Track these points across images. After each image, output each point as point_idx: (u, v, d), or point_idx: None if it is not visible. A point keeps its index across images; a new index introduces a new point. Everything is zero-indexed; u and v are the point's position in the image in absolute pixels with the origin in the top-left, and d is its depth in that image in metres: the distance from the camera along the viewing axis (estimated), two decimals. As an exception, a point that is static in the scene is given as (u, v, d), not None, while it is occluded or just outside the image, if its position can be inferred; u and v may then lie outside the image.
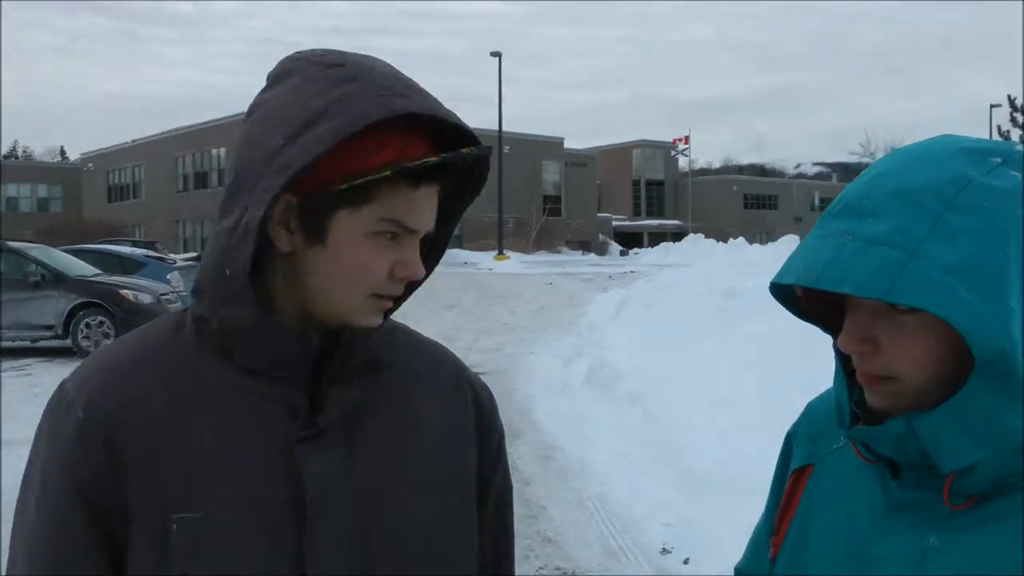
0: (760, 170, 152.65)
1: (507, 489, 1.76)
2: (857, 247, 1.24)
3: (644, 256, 73.30)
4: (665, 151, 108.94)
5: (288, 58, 1.52)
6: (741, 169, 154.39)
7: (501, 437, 1.74)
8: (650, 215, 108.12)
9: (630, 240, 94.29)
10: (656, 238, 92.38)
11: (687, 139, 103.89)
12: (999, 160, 1.29)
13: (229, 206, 1.44)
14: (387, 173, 1.39)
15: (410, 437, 1.56)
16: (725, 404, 9.90)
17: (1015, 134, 42.27)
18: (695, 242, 69.05)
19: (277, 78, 1.49)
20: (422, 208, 1.45)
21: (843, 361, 1.42)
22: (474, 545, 1.62)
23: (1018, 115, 42.82)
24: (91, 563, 1.41)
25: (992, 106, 56.31)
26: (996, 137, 43.40)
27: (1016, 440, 1.26)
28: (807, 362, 10.09)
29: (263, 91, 1.49)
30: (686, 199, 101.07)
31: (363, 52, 1.52)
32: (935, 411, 1.27)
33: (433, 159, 1.40)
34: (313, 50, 1.51)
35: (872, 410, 1.37)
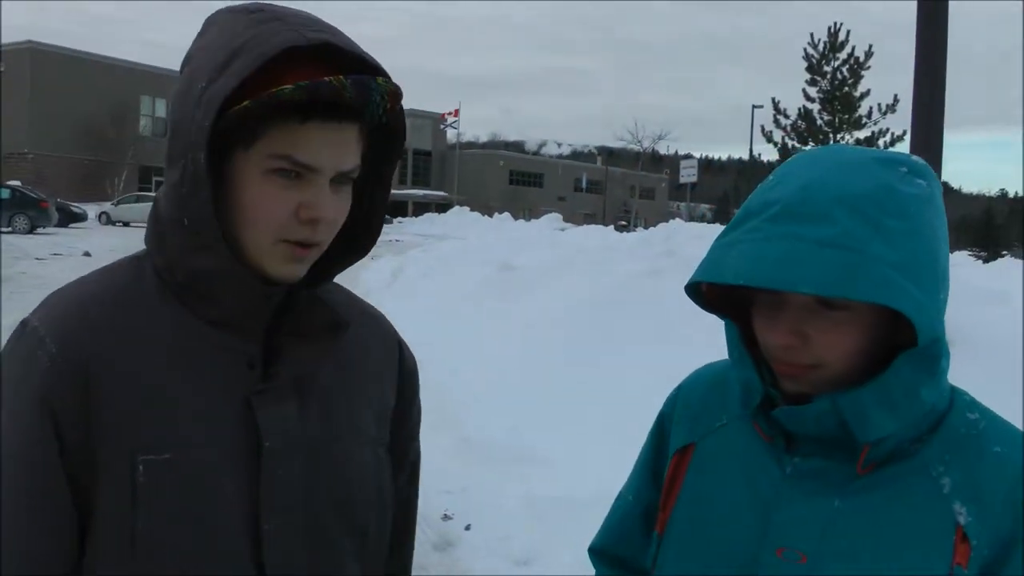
0: (526, 148, 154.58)
1: (418, 458, 1.87)
2: (808, 249, 1.34)
3: (408, 225, 73.28)
4: (433, 122, 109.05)
5: (215, 11, 1.53)
6: (507, 145, 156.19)
7: (419, 409, 1.85)
8: (416, 185, 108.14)
9: (395, 209, 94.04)
10: (421, 208, 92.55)
11: (456, 112, 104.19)
12: (905, 169, 1.44)
13: (173, 159, 1.45)
14: (247, 103, 1.38)
15: (354, 394, 1.63)
16: (502, 374, 10.06)
17: (777, 135, 44.36)
18: (460, 214, 69.44)
19: (202, 31, 1.51)
20: (315, 144, 1.42)
21: (747, 349, 1.54)
22: (392, 491, 1.71)
23: (781, 117, 44.89)
24: (64, 497, 1.39)
25: (754, 107, 58.54)
26: (759, 136, 45.43)
27: (923, 411, 1.43)
28: (578, 334, 10.39)
29: (191, 46, 1.50)
30: (453, 171, 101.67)
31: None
32: (862, 389, 1.40)
33: (288, 87, 1.37)
34: (237, 3, 1.52)
35: (785, 393, 1.50)
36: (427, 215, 76.63)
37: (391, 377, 1.74)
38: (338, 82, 1.39)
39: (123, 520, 1.39)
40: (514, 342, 11.12)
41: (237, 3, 1.52)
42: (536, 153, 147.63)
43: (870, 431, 1.41)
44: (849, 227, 1.34)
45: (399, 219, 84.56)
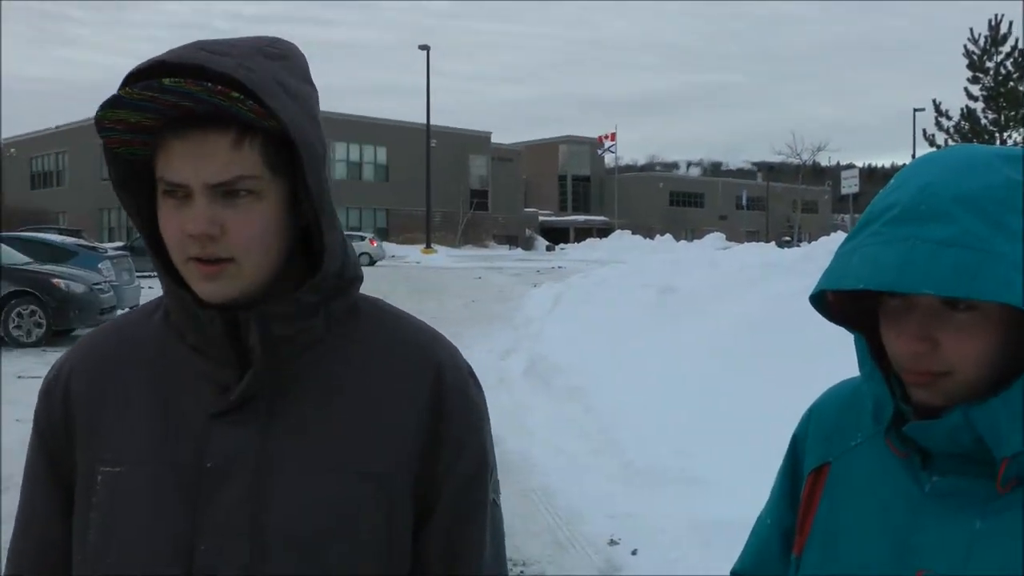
0: (685, 168, 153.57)
1: (466, 486, 1.58)
2: (928, 249, 1.30)
3: (571, 252, 73.38)
4: (591, 147, 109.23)
5: None
6: (666, 166, 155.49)
7: (468, 431, 1.58)
8: (576, 210, 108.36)
9: (556, 235, 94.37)
10: (582, 233, 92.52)
11: (613, 136, 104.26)
12: None
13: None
14: (96, 115, 1.42)
15: (332, 416, 1.51)
16: (663, 398, 9.99)
17: (940, 138, 43.10)
18: (621, 238, 69.41)
19: None
20: (176, 160, 1.41)
21: (878, 362, 1.49)
22: (397, 535, 1.53)
23: (943, 119, 43.69)
24: (49, 512, 1.57)
25: (915, 110, 57.17)
26: (921, 140, 44.19)
27: None
28: (742, 358, 10.26)
29: None
30: (612, 195, 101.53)
31: (284, 39, 1.54)
32: (993, 400, 1.35)
33: (109, 98, 1.38)
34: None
35: (917, 406, 1.44)
36: (588, 240, 76.70)
37: (416, 406, 1.54)
38: (126, 93, 1.38)
39: (83, 525, 1.51)
40: (676, 364, 11.04)
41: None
42: (695, 172, 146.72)
43: (1005, 445, 1.35)
44: (969, 225, 1.30)
45: (561, 245, 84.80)
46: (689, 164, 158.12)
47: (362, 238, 56.16)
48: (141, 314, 1.62)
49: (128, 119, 1.42)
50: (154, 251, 1.52)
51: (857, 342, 1.52)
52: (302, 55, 1.54)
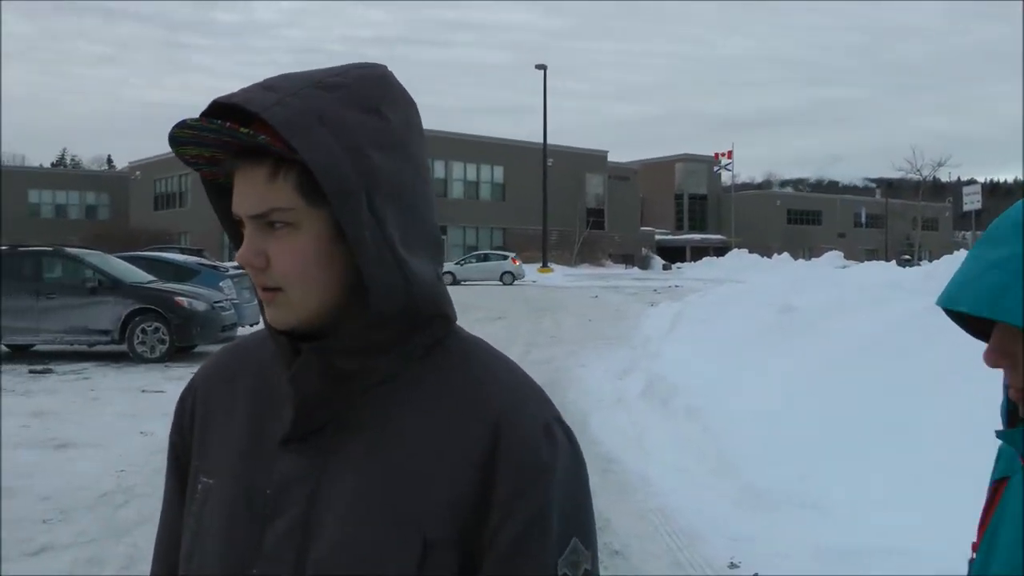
0: (804, 185, 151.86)
1: (513, 556, 1.40)
2: (978, 269, 1.36)
3: (688, 270, 73.10)
4: (708, 165, 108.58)
5: None
6: (783, 184, 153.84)
7: (520, 495, 1.40)
8: (693, 229, 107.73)
9: (673, 254, 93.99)
10: (699, 252, 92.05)
11: (730, 153, 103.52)
12: None
13: None
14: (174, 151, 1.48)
15: (386, 461, 1.44)
16: (783, 419, 9.86)
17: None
18: (739, 256, 68.92)
19: None
20: (235, 191, 1.45)
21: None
22: None
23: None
24: (175, 515, 1.66)
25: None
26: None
27: None
28: (864, 379, 10.08)
29: None
30: (729, 213, 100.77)
31: (400, 61, 1.54)
32: None
33: (169, 135, 1.43)
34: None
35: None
36: (705, 259, 76.40)
37: (467, 462, 1.42)
38: (176, 131, 1.42)
39: (184, 529, 1.61)
40: (796, 385, 10.88)
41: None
42: (813, 190, 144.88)
43: None
44: (1016, 249, 1.33)
45: (677, 264, 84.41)
46: (805, 181, 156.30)
47: (504, 257, 57.03)
48: (262, 334, 1.62)
49: (201, 153, 1.48)
50: None
51: None
52: (375, 81, 1.48)
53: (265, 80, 1.45)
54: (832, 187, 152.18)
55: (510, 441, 1.41)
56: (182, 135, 1.42)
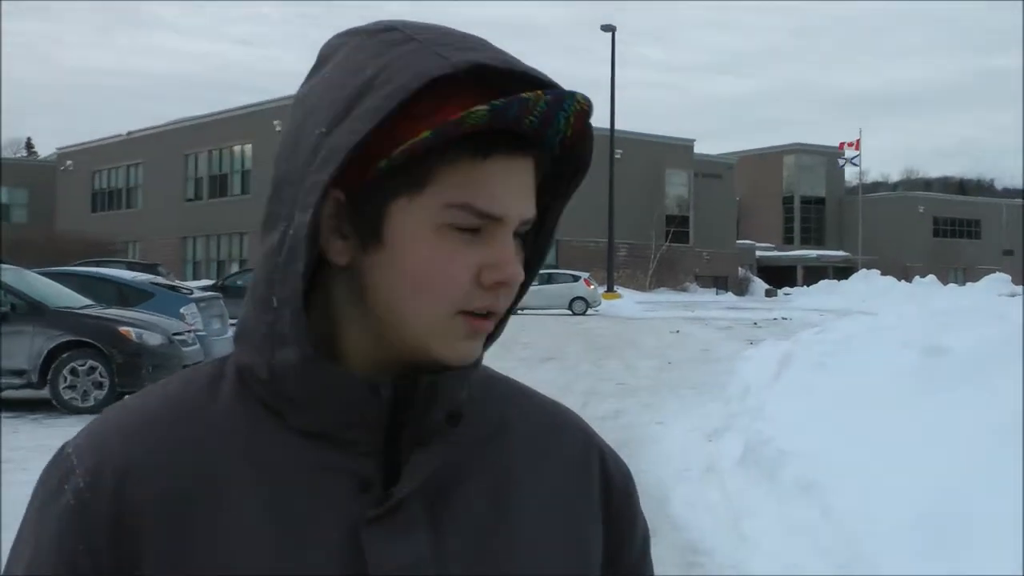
0: (956, 185, 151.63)
1: (642, 568, 1.74)
2: None
3: (799, 298, 73.06)
4: (827, 159, 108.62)
5: (334, 35, 1.56)
6: (929, 184, 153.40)
7: (645, 531, 1.74)
8: (806, 243, 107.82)
9: (779, 275, 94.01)
10: (814, 273, 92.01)
11: (857, 143, 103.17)
12: None
13: (270, 221, 1.49)
14: (427, 134, 1.37)
15: (511, 515, 1.54)
16: (933, 499, 9.77)
17: None
18: (867, 280, 68.90)
19: (320, 62, 1.54)
20: (501, 187, 1.43)
21: None
22: None
23: None
24: None
25: None
26: None
27: None
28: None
29: (305, 81, 1.54)
30: (854, 223, 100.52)
31: (431, 19, 1.55)
32: None
33: (481, 107, 1.36)
34: (362, 25, 1.55)
35: None
36: (823, 282, 76.38)
37: (586, 490, 1.64)
38: (535, 97, 1.38)
39: None
40: (948, 452, 10.79)
41: (366, 24, 1.55)
42: (970, 192, 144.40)
43: None
44: None
45: (785, 289, 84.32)
46: (961, 181, 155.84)
47: (575, 278, 56.69)
48: (196, 386, 1.55)
49: (473, 123, 1.40)
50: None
51: None
52: None
53: (479, 43, 1.49)
54: (993, 189, 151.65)
55: (610, 471, 1.69)
56: (510, 106, 1.39)
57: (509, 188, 1.44)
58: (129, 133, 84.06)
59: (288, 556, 1.43)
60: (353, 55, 1.46)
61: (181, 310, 22.26)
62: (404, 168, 1.41)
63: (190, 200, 77.49)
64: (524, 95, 1.37)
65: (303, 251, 1.40)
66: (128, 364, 18.98)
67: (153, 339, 19.48)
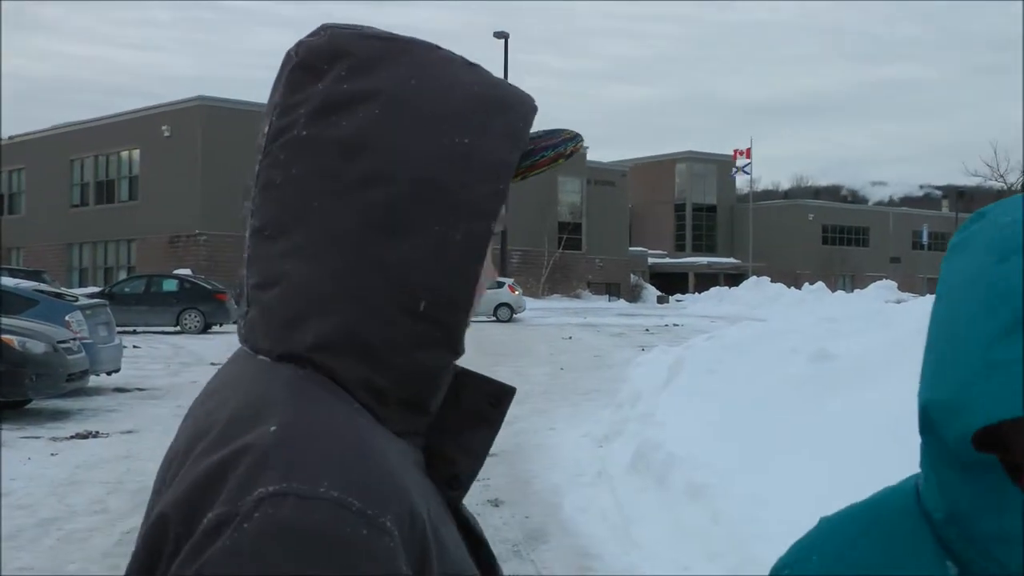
0: (843, 195, 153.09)
1: None
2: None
3: (690, 304, 73.38)
4: (719, 167, 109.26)
5: (352, 36, 1.56)
6: (818, 192, 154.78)
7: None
8: (697, 250, 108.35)
9: (671, 283, 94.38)
10: (705, 280, 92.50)
11: (748, 152, 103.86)
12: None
13: (414, 226, 1.47)
14: (542, 169, 1.60)
15: None
16: (820, 503, 9.86)
17: None
18: (757, 287, 69.27)
19: (375, 62, 1.53)
20: None
21: None
22: None
23: None
24: None
25: None
26: None
27: None
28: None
29: (360, 77, 1.52)
30: (746, 230, 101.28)
31: (334, 21, 1.61)
32: None
33: (569, 143, 1.64)
34: (362, 26, 1.59)
35: None
36: (714, 289, 76.64)
37: None
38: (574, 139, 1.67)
39: None
40: (836, 457, 10.90)
41: (371, 28, 1.59)
42: (858, 201, 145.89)
43: None
44: None
45: (677, 297, 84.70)
46: (846, 190, 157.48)
47: (500, 284, 55.98)
48: (348, 408, 1.46)
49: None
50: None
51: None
52: None
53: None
54: (882, 198, 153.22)
55: None
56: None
57: None
58: (11, 138, 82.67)
59: (464, 555, 1.56)
60: (439, 69, 1.55)
61: (66, 318, 21.88)
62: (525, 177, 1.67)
63: (76, 206, 76.28)
64: (571, 137, 1.69)
65: (480, 259, 1.51)
66: (11, 373, 18.68)
67: (37, 347, 19.10)
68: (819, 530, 1.73)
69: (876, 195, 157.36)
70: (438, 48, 1.58)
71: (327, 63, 1.52)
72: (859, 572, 1.54)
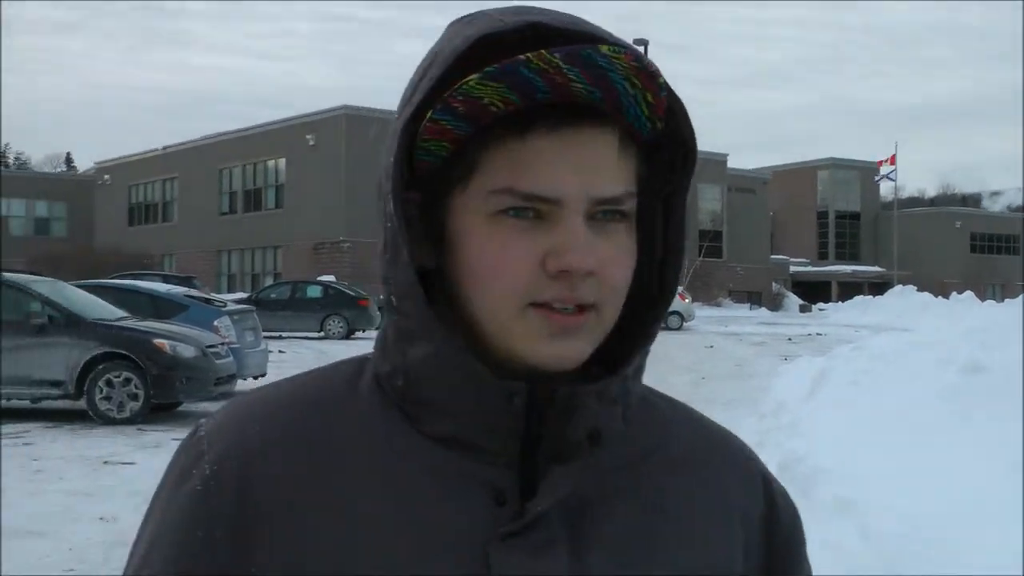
0: (993, 201, 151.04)
1: None
2: None
3: (834, 313, 72.91)
4: (862, 174, 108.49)
5: None
6: (966, 199, 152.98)
7: (800, 542, 1.69)
8: (841, 259, 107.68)
9: (813, 291, 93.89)
10: (849, 289, 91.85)
11: (893, 159, 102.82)
12: None
13: (380, 229, 1.44)
14: (430, 114, 1.35)
15: (657, 541, 1.47)
16: (976, 521, 9.61)
17: None
18: (903, 296, 68.73)
19: None
20: (549, 165, 1.34)
21: None
22: None
23: None
24: None
25: None
26: None
27: None
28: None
29: None
30: (890, 238, 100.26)
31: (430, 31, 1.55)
32: None
33: (473, 76, 1.30)
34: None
35: None
36: (857, 298, 76.17)
37: (748, 526, 1.58)
38: (539, 58, 1.28)
39: None
40: (989, 473, 10.64)
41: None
42: (1009, 208, 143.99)
43: None
44: None
45: (820, 305, 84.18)
46: (996, 196, 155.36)
47: None
48: (335, 381, 1.51)
49: (492, 99, 1.34)
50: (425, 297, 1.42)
51: None
52: None
53: (549, 12, 1.42)
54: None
55: (776, 499, 1.64)
56: (536, 64, 1.30)
57: (561, 166, 1.34)
58: (165, 148, 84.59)
59: (412, 559, 1.37)
60: (434, 44, 1.44)
61: (215, 323, 22.48)
62: (451, 160, 1.38)
63: (225, 214, 77.81)
64: (522, 56, 1.28)
65: (401, 241, 1.37)
66: (162, 376, 19.39)
67: (187, 351, 19.78)
68: None
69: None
70: (460, 18, 1.46)
71: None
72: None
